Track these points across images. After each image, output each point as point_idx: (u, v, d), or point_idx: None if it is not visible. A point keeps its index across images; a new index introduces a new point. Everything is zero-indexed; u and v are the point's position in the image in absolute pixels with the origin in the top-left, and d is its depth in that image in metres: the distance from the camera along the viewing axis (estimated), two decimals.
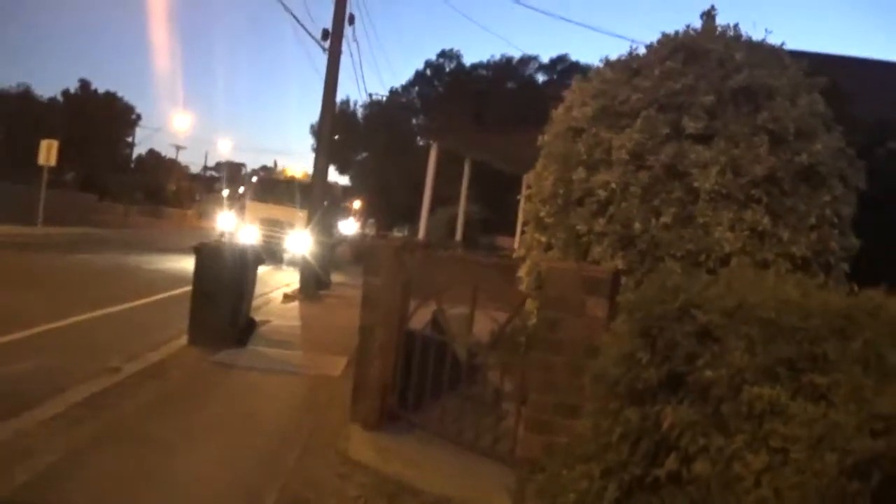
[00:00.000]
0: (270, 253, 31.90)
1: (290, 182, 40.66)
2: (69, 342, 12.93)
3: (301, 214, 33.60)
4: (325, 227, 27.26)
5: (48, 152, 38.44)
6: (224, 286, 13.42)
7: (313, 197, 28.64)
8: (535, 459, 6.06)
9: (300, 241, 31.15)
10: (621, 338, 4.47)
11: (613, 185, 7.72)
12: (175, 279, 22.01)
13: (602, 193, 7.81)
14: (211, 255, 13.79)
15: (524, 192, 10.23)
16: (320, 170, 26.25)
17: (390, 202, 48.32)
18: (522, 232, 10.53)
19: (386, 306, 8.68)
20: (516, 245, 26.95)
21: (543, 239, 8.66)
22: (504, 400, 8.13)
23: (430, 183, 25.40)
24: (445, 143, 26.20)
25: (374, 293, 8.80)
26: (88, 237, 34.53)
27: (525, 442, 6.73)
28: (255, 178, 48.18)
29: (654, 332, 4.08)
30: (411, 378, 8.63)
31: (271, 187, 40.84)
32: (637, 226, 7.50)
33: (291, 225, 35.54)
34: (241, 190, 55.04)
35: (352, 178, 60.14)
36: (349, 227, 45.86)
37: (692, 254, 7.27)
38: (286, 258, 34.12)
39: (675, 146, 7.59)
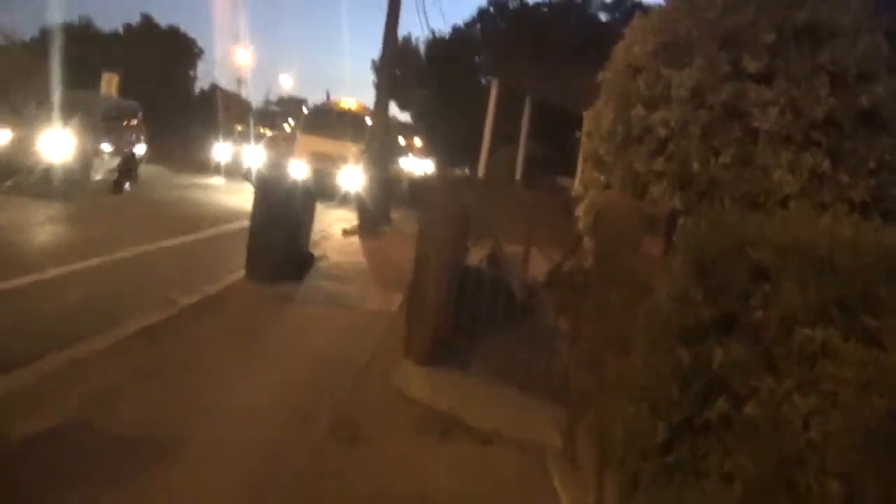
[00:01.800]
0: (322, 189, 30.15)
1: (343, 114, 38.64)
2: (126, 274, 13.07)
3: (354, 149, 33.07)
4: (383, 162, 26.93)
5: (109, 85, 38.50)
6: (281, 220, 13.43)
7: (372, 132, 28.27)
8: (585, 397, 6.05)
9: (353, 176, 30.87)
10: (675, 276, 4.40)
11: (672, 124, 7.60)
12: (233, 213, 22.11)
13: (661, 132, 7.69)
14: (269, 190, 13.84)
15: (584, 129, 10.11)
16: (381, 106, 26.15)
17: (451, 140, 47.77)
18: (582, 171, 10.44)
19: (441, 241, 8.66)
20: (576, 184, 26.84)
21: (602, 177, 8.57)
22: (557, 337, 8.11)
23: (491, 121, 25.17)
24: (507, 81, 25.93)
25: (430, 228, 8.78)
26: (145, 171, 34.59)
27: (576, 380, 6.71)
28: (305, 110, 44.32)
29: (707, 270, 4.02)
30: (465, 313, 8.63)
31: (323, 119, 38.25)
32: (695, 165, 7.38)
33: (344, 159, 33.75)
34: (291, 122, 52.23)
35: (413, 116, 59.95)
36: (409, 163, 44.31)
37: (750, 195, 7.15)
38: (338, 195, 31.75)
39: (735, 85, 7.45)
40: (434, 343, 8.48)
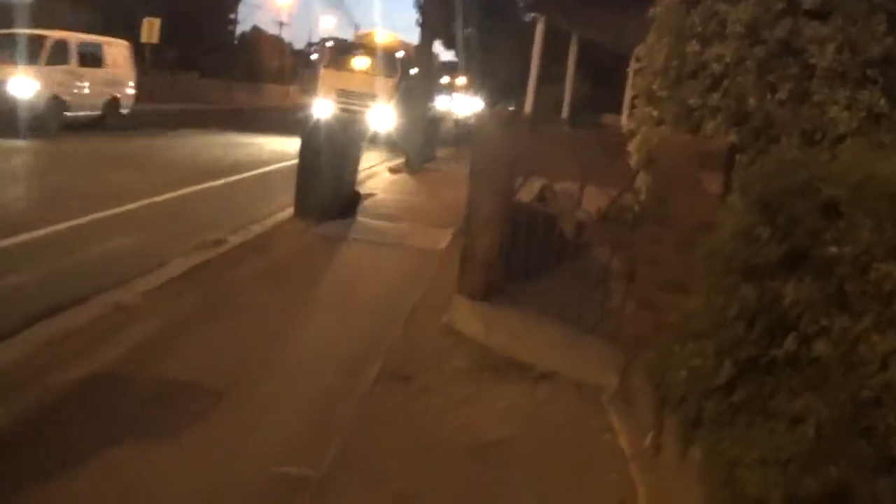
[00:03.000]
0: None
1: (372, 46, 36.33)
2: (171, 216, 13.20)
3: (385, 84, 32.08)
4: (427, 100, 26.62)
5: (150, 30, 38.43)
6: (328, 159, 13.41)
7: (405, 66, 29.37)
8: (642, 336, 5.97)
9: (384, 115, 30.33)
10: (739, 213, 4.31)
11: (728, 59, 7.46)
12: (278, 154, 22.22)
13: (716, 67, 7.55)
14: (315, 129, 13.81)
15: (633, 66, 9.97)
16: (425, 45, 25.98)
17: (496, 79, 47.38)
18: (632, 107, 10.31)
19: (494, 178, 8.57)
20: (623, 122, 26.58)
21: (655, 113, 8.45)
22: (612, 276, 8.02)
23: (537, 59, 24.84)
24: (552, 18, 25.58)
25: (481, 164, 8.68)
26: (190, 114, 34.34)
27: (632, 319, 6.63)
28: (329, 43, 40.40)
29: (774, 207, 3.92)
30: (519, 251, 8.55)
31: (349, 53, 36.23)
32: (752, 101, 7.25)
33: (373, 97, 32.05)
34: (315, 57, 48.34)
35: (457, 55, 59.49)
36: (455, 102, 43.43)
37: (807, 133, 7.02)
38: (368, 135, 28.64)
39: (790, 21, 7.29)
40: (487, 280, 8.42)
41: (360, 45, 36.92)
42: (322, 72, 35.10)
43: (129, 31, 38.59)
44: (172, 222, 12.56)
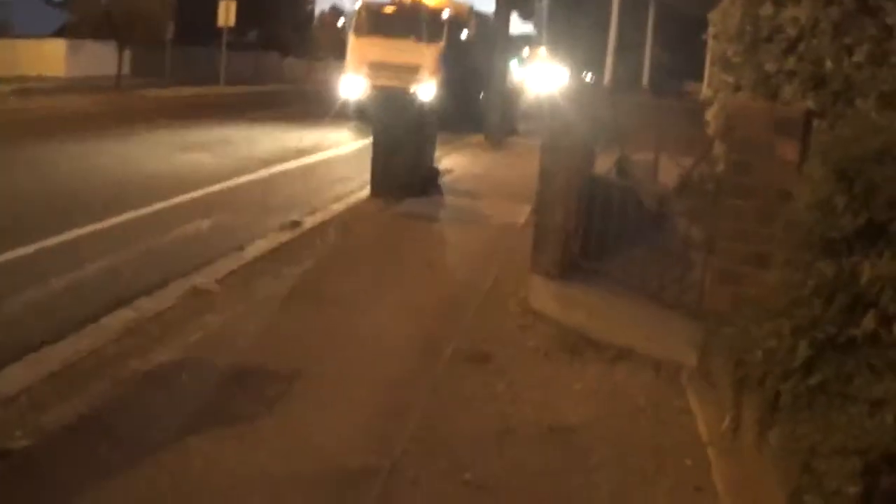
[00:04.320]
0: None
1: (412, 7, 29.09)
2: (250, 198, 13.27)
3: (429, 53, 27.02)
4: (504, 72, 25.72)
5: (227, 13, 38.68)
6: (405, 135, 13.35)
7: (466, 33, 26.65)
8: (722, 312, 5.78)
9: (429, 90, 25.37)
10: (815, 182, 4.10)
11: (803, 21, 7.19)
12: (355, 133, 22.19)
13: (791, 30, 7.29)
14: (390, 105, 13.74)
15: (710, 31, 9.70)
16: (502, 16, 25.43)
17: (576, 50, 46.82)
18: (710, 74, 10.06)
19: (568, 150, 8.38)
20: (704, 88, 26.10)
21: (731, 80, 8.21)
22: (691, 249, 7.80)
23: (615, 27, 24.31)
24: None
25: (555, 137, 8.50)
26: (270, 95, 34.38)
27: (712, 293, 6.42)
28: (357, 3, 30.33)
29: (851, 175, 3.70)
30: (594, 226, 8.36)
31: (383, 16, 29.08)
32: (828, 64, 6.97)
33: (414, 70, 26.57)
34: (341, 22, 39.38)
35: (535, 27, 59.09)
36: (536, 74, 41.38)
37: (886, 95, 6.73)
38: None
39: None
40: (562, 257, 8.26)
41: (397, 6, 29.65)
42: (350, 41, 28.81)
43: (207, 14, 38.98)
44: (252, 204, 12.60)
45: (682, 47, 32.73)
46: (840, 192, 3.74)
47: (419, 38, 27.36)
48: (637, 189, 8.96)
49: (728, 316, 5.47)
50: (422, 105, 14.25)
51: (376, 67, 26.71)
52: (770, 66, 7.40)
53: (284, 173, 16.18)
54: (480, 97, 26.14)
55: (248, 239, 10.07)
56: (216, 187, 13.62)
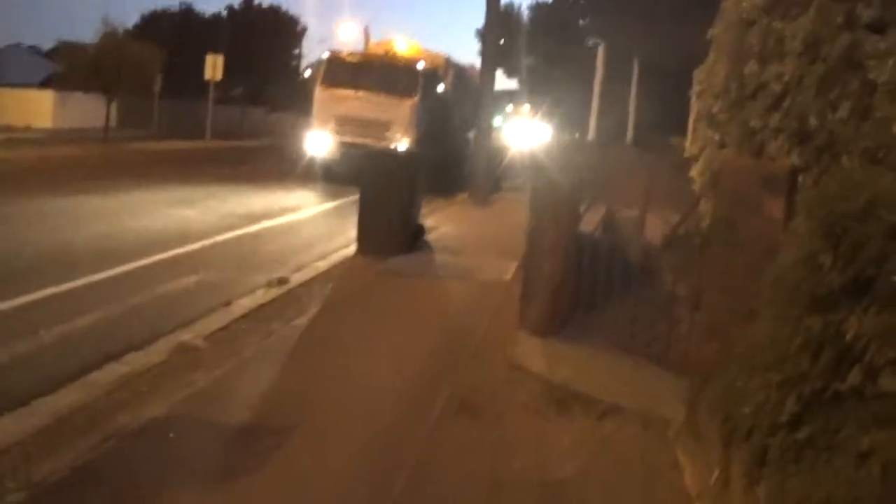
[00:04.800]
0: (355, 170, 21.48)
1: (385, 58, 27.61)
2: (235, 255, 13.29)
3: (403, 106, 25.21)
4: (488, 130, 25.24)
5: (214, 67, 38.91)
6: (392, 193, 13.42)
7: (442, 87, 25.24)
8: (708, 367, 5.82)
9: (402, 148, 23.94)
10: (801, 238, 4.16)
11: (787, 78, 7.30)
12: (339, 188, 21.87)
13: (776, 86, 7.40)
14: (378, 162, 13.83)
15: (695, 88, 9.84)
16: (487, 73, 25.34)
17: (560, 105, 47.13)
18: (694, 130, 10.18)
19: (555, 207, 8.45)
20: (688, 144, 26.29)
21: (716, 136, 8.32)
22: (677, 304, 7.86)
23: (599, 84, 24.31)
24: (614, 43, 25.30)
25: (542, 193, 8.57)
26: (256, 150, 34.34)
27: (698, 349, 6.47)
28: (326, 54, 28.33)
29: (837, 232, 3.76)
30: (582, 282, 8.42)
31: (353, 67, 26.81)
32: (813, 120, 7.08)
33: (386, 126, 24.95)
34: (307, 73, 36.21)
35: (519, 83, 59.65)
36: (520, 130, 40.62)
37: (870, 150, 6.83)
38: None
39: (849, 36, 7.12)
40: (549, 313, 8.29)
41: (368, 57, 27.99)
42: (317, 93, 26.74)
43: (194, 69, 39.23)
44: (237, 261, 12.61)
45: (665, 103, 32.74)
46: (826, 249, 3.80)
47: (392, 92, 25.57)
48: (623, 245, 9.02)
49: (715, 371, 5.51)
50: (410, 160, 14.24)
51: (344, 122, 25.28)
52: (755, 123, 7.51)
53: (269, 230, 16.21)
54: (461, 154, 25.79)
55: (235, 295, 10.13)
56: (202, 243, 13.66)
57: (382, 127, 24.80)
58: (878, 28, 6.98)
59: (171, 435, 5.89)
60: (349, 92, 25.66)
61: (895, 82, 6.72)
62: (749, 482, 4.14)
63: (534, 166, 9.54)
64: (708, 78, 8.73)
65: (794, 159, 7.03)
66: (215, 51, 39.46)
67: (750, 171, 6.31)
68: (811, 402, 3.77)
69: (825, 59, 7.09)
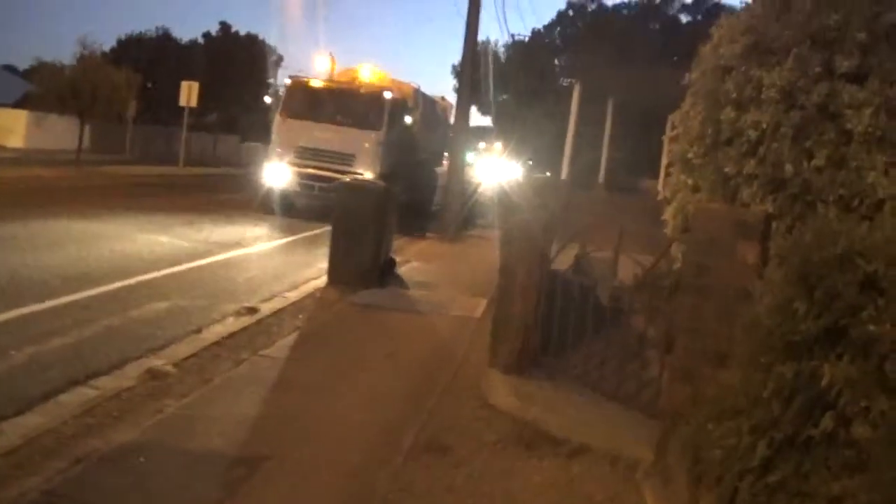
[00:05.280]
0: (315, 203, 22.99)
1: (349, 87, 26.10)
2: (206, 282, 13.23)
3: (367, 139, 23.83)
4: (461, 166, 24.40)
5: (189, 94, 38.85)
6: (365, 225, 13.46)
7: (409, 119, 24.25)
8: (679, 410, 5.86)
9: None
10: (776, 286, 4.22)
11: (764, 125, 7.39)
12: (309, 220, 21.97)
13: (752, 133, 7.48)
14: (351, 194, 13.82)
15: (669, 132, 9.93)
16: (462, 110, 25.10)
17: (533, 144, 47.28)
18: (667, 174, 10.26)
19: (527, 247, 8.50)
20: (660, 187, 26.45)
21: (690, 181, 8.39)
22: (648, 347, 7.93)
23: (574, 123, 24.03)
24: (588, 84, 25.29)
25: (515, 233, 8.63)
26: (228, 178, 34.09)
27: (669, 392, 6.53)
28: (287, 80, 26.73)
29: (812, 281, 3.82)
30: (553, 322, 8.46)
31: (315, 95, 25.36)
32: (788, 168, 7.16)
33: (349, 160, 23.59)
34: (268, 100, 34.34)
35: (493, 120, 59.94)
36: (493, 167, 40.14)
37: (844, 199, 6.93)
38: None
39: (827, 85, 7.22)
40: (520, 352, 8.34)
41: (332, 85, 26.37)
42: (277, 122, 25.29)
43: (169, 95, 39.24)
44: (208, 289, 12.58)
45: (638, 145, 32.98)
46: (801, 296, 3.86)
47: (356, 123, 24.18)
48: (595, 286, 9.05)
49: (685, 414, 5.55)
50: (384, 192, 14.21)
51: (305, 154, 23.87)
52: (730, 169, 7.58)
53: (241, 258, 16.16)
54: (428, 189, 25.37)
55: (205, 323, 10.15)
56: (173, 269, 13.60)
57: (345, 159, 23.59)
58: (855, 78, 7.08)
59: (142, 460, 5.87)
60: (310, 122, 24.42)
61: (871, 132, 6.82)
62: None
63: (506, 205, 9.58)
64: (683, 122, 8.80)
65: (768, 206, 7.11)
66: (191, 77, 39.44)
67: (724, 216, 6.39)
68: (782, 448, 3.81)
69: (802, 108, 7.19)
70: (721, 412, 4.49)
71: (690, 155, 8.35)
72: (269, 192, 24.04)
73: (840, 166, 7.01)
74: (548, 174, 41.73)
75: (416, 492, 5.87)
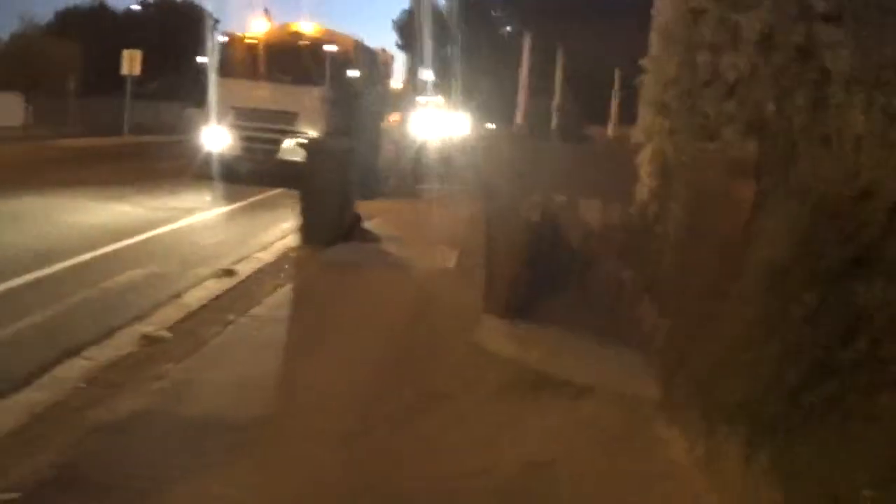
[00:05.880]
0: (258, 166, 22.04)
1: (288, 42, 24.01)
2: (175, 248, 13.21)
3: (310, 95, 22.42)
4: (407, 124, 24.93)
5: (131, 62, 38.27)
6: (332, 183, 13.49)
7: (355, 73, 22.83)
8: (678, 346, 6.02)
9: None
10: (793, 220, 4.36)
11: (742, 67, 7.51)
12: (253, 184, 21.45)
13: (731, 75, 7.60)
14: (317, 153, 13.83)
15: (642, 77, 9.99)
16: (410, 68, 24.72)
17: (477, 97, 46.96)
18: (642, 118, 10.34)
19: (508, 195, 8.63)
20: (609, 133, 26.64)
21: (668, 123, 8.50)
22: (629, 288, 8.09)
23: (525, 75, 23.90)
24: (539, 35, 25.12)
25: (495, 183, 8.76)
26: (174, 145, 33.38)
27: (665, 329, 6.68)
28: (222, 38, 25.01)
29: (838, 211, 3.97)
30: (541, 267, 8.59)
31: (252, 52, 23.76)
32: (770, 107, 7.29)
33: (291, 119, 22.40)
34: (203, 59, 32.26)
35: (437, 74, 59.49)
36: (436, 122, 39.09)
37: (825, 137, 7.07)
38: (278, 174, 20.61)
39: (804, 26, 7.33)
40: (513, 298, 8.46)
41: (270, 40, 24.18)
42: (212, 81, 23.72)
43: (108, 64, 38.63)
44: (180, 254, 12.60)
45: (586, 93, 32.98)
46: (827, 227, 3.99)
47: (297, 79, 22.89)
48: (566, 230, 9.20)
49: (690, 349, 5.71)
50: (347, 149, 14.20)
51: (243, 115, 22.63)
52: (710, 110, 7.69)
53: (203, 223, 16.14)
54: (374, 146, 24.69)
55: (184, 288, 10.10)
56: (141, 237, 13.50)
57: (287, 119, 22.35)
58: (832, 18, 7.21)
59: (154, 425, 5.90)
60: (247, 81, 23.14)
61: (848, 71, 6.96)
62: (747, 450, 4.33)
63: (479, 157, 9.71)
64: (656, 67, 8.90)
65: (750, 146, 7.24)
66: (130, 46, 38.82)
67: (718, 157, 6.51)
68: (813, 372, 3.95)
69: (781, 49, 7.30)
70: (740, 344, 4.64)
71: (667, 98, 8.46)
72: (207, 157, 22.87)
73: (819, 106, 7.14)
74: (493, 126, 41.56)
75: (426, 441, 5.88)
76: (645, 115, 9.40)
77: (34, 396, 6.35)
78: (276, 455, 5.56)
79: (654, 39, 9.22)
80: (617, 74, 23.47)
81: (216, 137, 22.67)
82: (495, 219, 8.68)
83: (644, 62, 9.48)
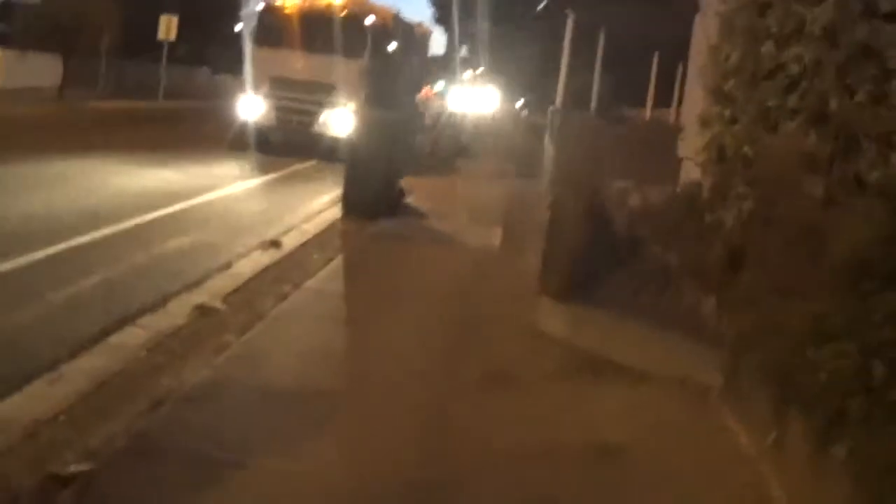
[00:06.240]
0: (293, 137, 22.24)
1: (327, 12, 23.27)
2: (221, 215, 13.35)
3: (349, 68, 21.43)
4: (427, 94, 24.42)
5: (168, 27, 38.50)
6: (378, 155, 13.49)
7: (394, 45, 22.97)
8: (745, 337, 6.05)
9: (348, 120, 19.40)
10: (878, 215, 4.40)
11: (806, 61, 7.51)
12: (299, 152, 21.55)
13: (794, 68, 7.61)
14: (367, 124, 13.83)
15: (697, 64, 9.99)
16: (448, 43, 24.68)
17: (512, 75, 46.70)
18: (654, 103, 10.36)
19: (577, 178, 8.68)
20: (647, 115, 26.51)
21: (728, 112, 8.52)
22: (677, 275, 8.12)
23: (567, 55, 23.58)
24: (581, 15, 24.84)
25: (565, 165, 8.81)
26: (210, 111, 33.30)
27: (732, 320, 6.69)
28: (259, 6, 24.28)
29: None
30: (604, 249, 8.62)
31: (290, 23, 23.37)
32: (832, 103, 7.30)
33: (329, 90, 22.25)
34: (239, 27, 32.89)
35: (470, 51, 59.10)
36: (473, 98, 38.67)
37: (885, 135, 7.08)
38: (322, 146, 21.14)
39: (868, 24, 7.33)
40: (570, 280, 8.50)
41: (309, 10, 23.57)
42: (249, 51, 23.73)
43: (142, 29, 38.54)
44: (224, 222, 12.74)
45: (626, 75, 32.73)
46: None
47: (336, 51, 22.35)
48: (618, 215, 9.24)
49: (754, 340, 5.74)
50: (396, 121, 14.15)
51: (280, 85, 22.48)
52: (772, 102, 7.71)
53: (245, 192, 16.27)
54: (410, 121, 24.49)
55: (232, 257, 10.16)
56: (185, 203, 13.58)
57: (325, 91, 22.22)
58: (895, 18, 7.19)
59: (222, 396, 5.85)
60: (285, 51, 23.07)
61: None
62: (822, 442, 4.38)
63: (554, 140, 9.75)
64: (715, 55, 8.93)
65: (812, 140, 7.26)
66: (164, 9, 38.83)
67: (790, 150, 6.52)
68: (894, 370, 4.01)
69: (844, 45, 7.30)
70: (816, 337, 4.68)
71: (727, 87, 8.49)
72: (243, 126, 22.72)
73: (880, 103, 7.14)
74: (527, 103, 41.26)
75: (493, 421, 5.84)
76: (696, 100, 9.41)
77: (95, 363, 6.33)
78: (350, 426, 5.60)
79: (715, 28, 9.23)
80: (656, 58, 23.27)
81: (252, 107, 22.55)
82: (562, 202, 8.72)
83: (706, 49, 9.48)
